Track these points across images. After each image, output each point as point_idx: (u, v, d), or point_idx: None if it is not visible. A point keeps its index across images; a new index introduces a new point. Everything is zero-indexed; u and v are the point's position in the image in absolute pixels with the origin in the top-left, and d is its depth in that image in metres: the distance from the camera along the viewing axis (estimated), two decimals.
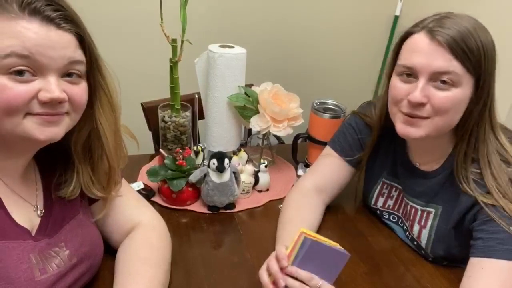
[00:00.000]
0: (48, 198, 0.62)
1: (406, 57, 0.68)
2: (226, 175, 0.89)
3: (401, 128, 0.71)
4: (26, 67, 0.49)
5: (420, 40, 0.66)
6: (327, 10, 1.95)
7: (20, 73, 0.48)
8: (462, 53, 0.63)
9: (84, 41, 0.55)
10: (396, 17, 2.00)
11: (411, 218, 0.81)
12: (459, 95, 0.66)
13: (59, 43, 0.51)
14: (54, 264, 0.57)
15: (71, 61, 0.52)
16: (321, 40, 2.02)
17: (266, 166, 0.99)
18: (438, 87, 0.66)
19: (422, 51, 0.65)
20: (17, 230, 0.55)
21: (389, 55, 0.74)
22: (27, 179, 0.60)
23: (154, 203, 0.92)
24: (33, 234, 0.57)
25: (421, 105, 0.67)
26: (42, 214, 0.60)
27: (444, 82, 0.65)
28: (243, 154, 1.01)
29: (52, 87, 0.50)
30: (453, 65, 0.63)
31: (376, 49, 2.10)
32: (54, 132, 0.53)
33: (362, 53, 2.10)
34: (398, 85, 0.70)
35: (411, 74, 0.68)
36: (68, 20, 0.52)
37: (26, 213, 0.58)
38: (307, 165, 1.11)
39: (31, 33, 0.48)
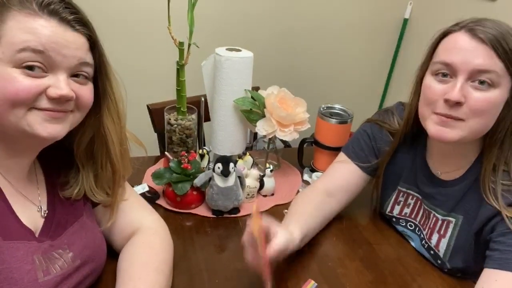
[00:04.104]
0: (51, 199, 0.62)
1: (445, 54, 0.66)
2: (231, 180, 0.88)
3: (435, 130, 0.68)
4: (39, 62, 0.50)
5: (460, 37, 0.64)
6: (335, 13, 1.94)
7: (31, 68, 0.50)
8: (503, 52, 0.61)
9: (95, 46, 0.57)
10: (406, 20, 1.98)
11: (431, 226, 0.79)
12: (497, 97, 0.63)
13: (73, 44, 0.53)
14: (58, 266, 0.57)
15: (82, 62, 0.54)
16: (329, 44, 2.01)
17: (271, 171, 0.98)
18: (476, 87, 0.63)
19: (462, 48, 0.63)
20: (22, 230, 0.55)
21: (423, 56, 0.72)
22: (29, 179, 0.61)
23: (158, 206, 0.92)
24: (37, 235, 0.57)
25: (458, 104, 0.64)
26: (45, 214, 0.60)
27: (482, 82, 0.63)
28: (248, 158, 1.01)
29: (61, 84, 0.52)
30: (495, 63, 0.61)
31: (385, 53, 2.08)
32: (57, 129, 0.54)
33: (370, 57, 2.09)
34: (433, 85, 0.67)
35: (447, 74, 0.65)
36: (83, 24, 0.54)
37: (30, 214, 0.58)
38: (313, 170, 1.10)
39: (48, 31, 0.51)
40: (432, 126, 0.68)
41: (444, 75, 0.66)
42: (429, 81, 0.68)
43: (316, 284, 0.62)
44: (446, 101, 0.65)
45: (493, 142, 0.68)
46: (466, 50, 0.63)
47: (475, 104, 0.63)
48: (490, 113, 0.65)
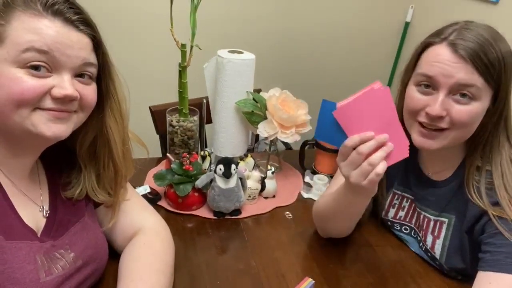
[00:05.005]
0: (53, 199, 0.63)
1: (427, 67, 0.67)
2: (233, 181, 0.88)
3: (418, 139, 0.70)
4: (43, 62, 0.51)
5: (441, 51, 0.65)
6: (337, 16, 1.95)
7: (36, 68, 0.51)
8: (484, 67, 0.62)
9: (98, 46, 0.57)
10: (407, 24, 1.99)
11: (424, 228, 0.80)
12: (478, 108, 0.65)
13: (77, 44, 0.53)
14: (59, 266, 0.58)
15: (86, 62, 0.55)
16: (331, 47, 2.01)
17: (273, 173, 0.98)
18: (457, 101, 0.65)
19: (443, 63, 0.64)
20: (24, 230, 0.55)
21: (407, 63, 0.73)
22: (31, 179, 0.61)
23: (160, 207, 0.92)
24: (39, 235, 0.57)
25: (440, 117, 0.66)
26: (47, 214, 0.60)
27: (464, 95, 0.64)
28: (250, 160, 1.01)
29: (66, 84, 0.52)
30: (476, 79, 0.63)
31: (387, 56, 2.08)
32: (61, 129, 0.54)
33: (372, 59, 2.09)
34: (416, 96, 0.68)
35: (429, 85, 0.67)
36: (87, 24, 0.55)
37: (32, 214, 0.58)
38: (314, 172, 1.10)
39: (52, 31, 0.51)
40: (415, 135, 0.70)
41: (427, 86, 0.67)
42: (412, 91, 0.69)
43: (313, 281, 0.62)
44: (428, 114, 0.66)
45: (476, 145, 0.70)
46: (446, 65, 0.64)
47: (456, 116, 0.65)
48: (472, 124, 0.67)
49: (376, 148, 0.62)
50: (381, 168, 0.62)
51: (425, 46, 0.69)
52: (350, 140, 0.63)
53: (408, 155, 0.63)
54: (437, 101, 0.65)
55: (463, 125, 0.66)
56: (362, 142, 0.62)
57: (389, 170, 0.84)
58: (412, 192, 0.83)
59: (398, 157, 0.63)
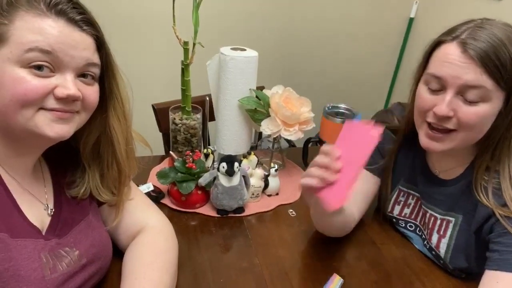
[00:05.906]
0: (58, 197, 0.63)
1: (436, 67, 0.66)
2: (236, 179, 0.88)
3: (425, 141, 0.70)
4: (46, 62, 0.51)
5: (451, 51, 0.64)
6: (340, 12, 1.94)
7: (39, 68, 0.51)
8: (494, 69, 0.61)
9: (101, 46, 0.57)
10: (411, 20, 1.97)
11: (429, 226, 0.79)
12: (487, 110, 0.64)
13: (81, 44, 0.53)
14: (64, 264, 0.58)
15: (89, 62, 0.55)
16: (334, 43, 2.00)
17: (276, 170, 0.98)
18: (465, 101, 0.64)
19: (452, 63, 0.63)
20: (29, 228, 0.56)
21: (419, 61, 0.72)
22: (36, 177, 0.61)
23: (163, 206, 0.92)
24: (44, 233, 0.58)
25: (447, 118, 0.65)
26: (52, 213, 0.61)
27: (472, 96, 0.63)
28: (253, 158, 1.01)
29: (69, 84, 0.52)
30: (484, 80, 0.61)
31: (390, 52, 2.07)
32: (64, 129, 0.54)
33: (376, 56, 2.08)
34: (424, 96, 0.68)
35: (438, 85, 0.66)
36: (90, 24, 0.55)
37: (37, 212, 0.59)
38: None
39: (56, 31, 0.51)
40: (423, 137, 0.70)
41: (436, 85, 0.66)
42: (422, 90, 0.69)
43: (342, 280, 0.62)
44: (435, 114, 0.66)
45: (487, 146, 0.69)
46: (455, 65, 0.63)
47: (463, 117, 0.64)
48: (481, 126, 0.66)
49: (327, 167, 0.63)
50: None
51: (436, 44, 0.68)
52: (324, 147, 0.65)
53: (337, 207, 0.63)
54: (445, 101, 0.64)
55: (471, 126, 0.65)
56: (327, 154, 0.64)
57: (396, 167, 0.85)
58: (419, 189, 0.82)
59: (328, 198, 0.63)
